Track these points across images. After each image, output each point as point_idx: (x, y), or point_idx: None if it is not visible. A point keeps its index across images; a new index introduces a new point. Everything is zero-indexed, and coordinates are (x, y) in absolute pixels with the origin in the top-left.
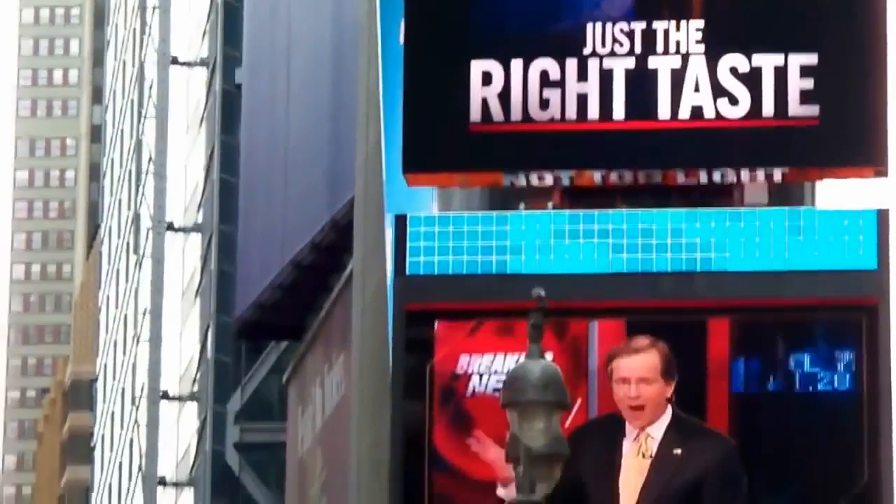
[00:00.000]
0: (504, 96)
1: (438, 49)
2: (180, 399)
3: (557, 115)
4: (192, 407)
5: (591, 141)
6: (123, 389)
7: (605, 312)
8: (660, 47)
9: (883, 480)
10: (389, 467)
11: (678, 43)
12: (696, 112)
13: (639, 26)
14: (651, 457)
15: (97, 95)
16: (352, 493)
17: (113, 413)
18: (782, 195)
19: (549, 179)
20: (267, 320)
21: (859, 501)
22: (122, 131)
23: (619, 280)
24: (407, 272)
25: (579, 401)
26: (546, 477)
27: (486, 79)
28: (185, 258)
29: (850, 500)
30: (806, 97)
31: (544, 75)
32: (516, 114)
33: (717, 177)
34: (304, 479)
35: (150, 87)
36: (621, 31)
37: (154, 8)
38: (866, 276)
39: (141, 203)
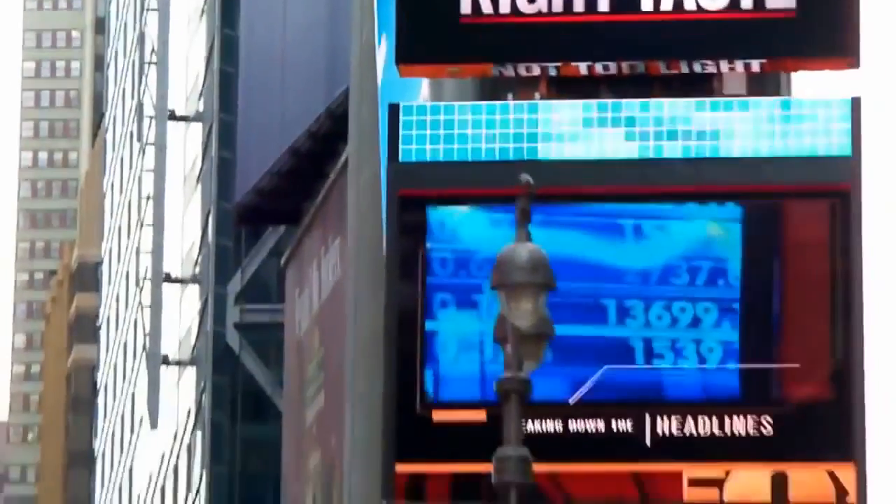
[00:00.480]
0: None
1: None
2: (182, 281)
3: (545, 9)
4: (193, 289)
5: (576, 33)
6: (128, 272)
7: (589, 198)
8: None
9: (854, 358)
10: (384, 345)
11: None
12: (678, 4)
13: None
14: None
15: None
16: (348, 370)
17: (118, 295)
18: (759, 85)
19: (536, 70)
20: (265, 205)
21: (835, 375)
22: (125, 23)
23: (604, 167)
24: (399, 159)
25: None
26: (533, 355)
27: None
28: (187, 146)
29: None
30: None
31: None
32: (505, 7)
33: (697, 67)
34: (302, 358)
35: None
36: None
37: None
38: (841, 163)
39: (144, 93)
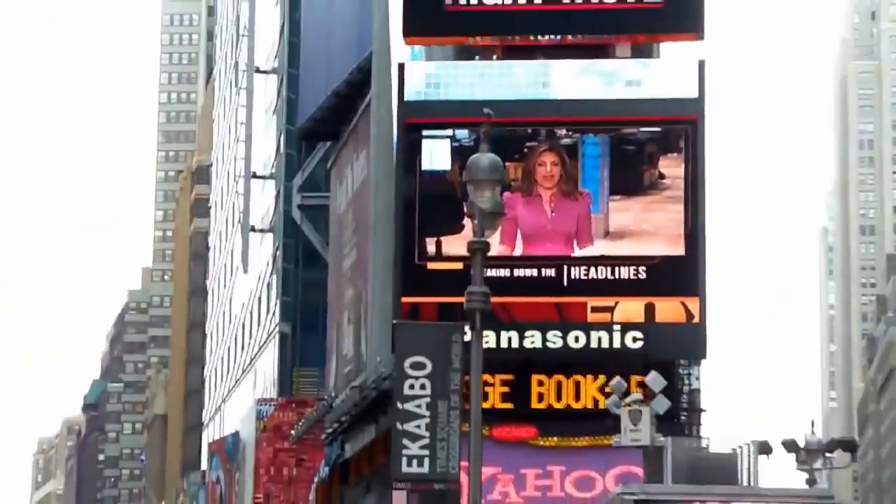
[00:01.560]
0: None
1: None
2: (263, 177)
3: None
4: (270, 182)
5: (522, 15)
6: (228, 171)
7: (536, 125)
8: None
9: (699, 227)
10: (395, 219)
11: None
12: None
13: None
14: None
15: None
16: (371, 235)
17: (222, 186)
18: (639, 52)
19: (495, 40)
20: (318, 129)
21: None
22: (227, 9)
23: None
24: (405, 99)
25: None
26: (491, 226)
27: None
28: (266, 89)
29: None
30: None
31: None
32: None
33: (600, 38)
34: (341, 227)
35: None
36: None
37: None
38: (691, 102)
39: (238, 54)
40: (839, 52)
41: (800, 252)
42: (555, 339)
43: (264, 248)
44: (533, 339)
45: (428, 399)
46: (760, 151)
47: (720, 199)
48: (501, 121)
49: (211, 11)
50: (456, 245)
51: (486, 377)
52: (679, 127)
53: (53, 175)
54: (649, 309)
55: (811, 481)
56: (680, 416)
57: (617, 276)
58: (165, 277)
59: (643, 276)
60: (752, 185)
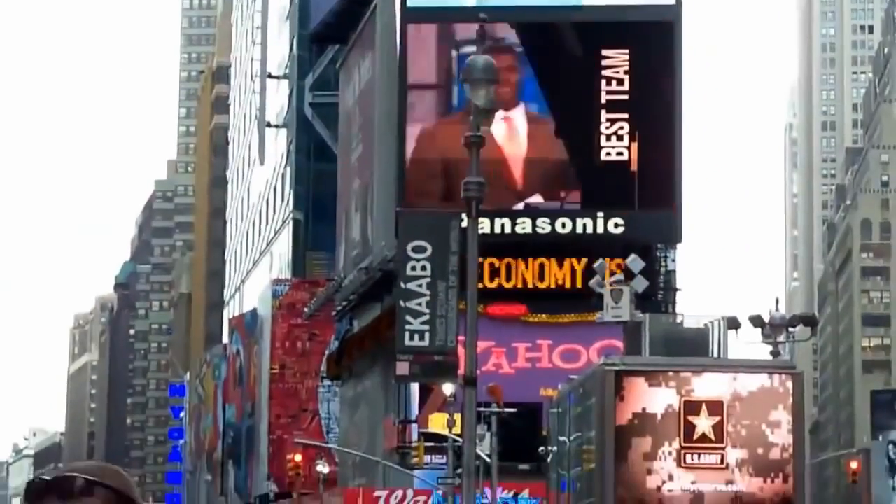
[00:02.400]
0: None
1: None
2: (278, 77)
3: None
4: (284, 82)
5: None
6: (246, 71)
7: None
8: None
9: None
10: (398, 116)
11: None
12: None
13: None
14: None
15: None
16: (376, 130)
17: (240, 85)
18: None
19: None
20: (328, 32)
21: None
22: None
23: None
24: (407, 6)
25: None
26: (486, 122)
27: None
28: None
29: None
30: None
31: None
32: None
33: None
34: (349, 123)
35: None
36: None
37: None
38: (666, 8)
39: None
40: None
41: (766, 146)
42: (543, 225)
43: (279, 142)
44: (524, 225)
45: (428, 279)
46: (730, 54)
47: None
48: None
49: None
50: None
51: (481, 260)
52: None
53: (88, 77)
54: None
55: (775, 353)
56: (657, 295)
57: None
58: (189, 169)
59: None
60: (722, 85)
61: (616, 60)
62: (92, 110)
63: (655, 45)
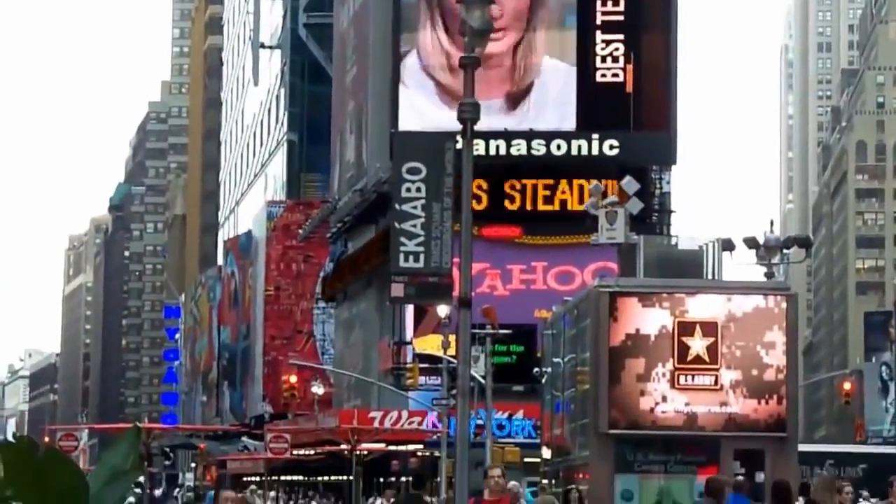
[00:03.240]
0: None
1: None
2: None
3: None
4: (278, 2)
5: None
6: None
7: None
8: None
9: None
10: (392, 32)
11: None
12: None
13: None
14: None
15: None
16: (371, 50)
17: (234, 6)
18: None
19: None
20: None
21: None
22: None
23: None
24: None
25: None
26: (480, 44)
27: None
28: None
29: None
30: None
31: None
32: None
33: None
34: (344, 44)
35: None
36: None
37: None
38: None
39: None
40: None
41: (762, 67)
42: (538, 147)
43: (273, 64)
44: (519, 147)
45: (423, 201)
46: None
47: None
48: None
49: None
50: None
51: (478, 181)
52: None
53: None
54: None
55: (769, 274)
56: (652, 217)
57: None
58: (183, 90)
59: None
60: (719, 7)
61: None
62: (85, 32)
63: None
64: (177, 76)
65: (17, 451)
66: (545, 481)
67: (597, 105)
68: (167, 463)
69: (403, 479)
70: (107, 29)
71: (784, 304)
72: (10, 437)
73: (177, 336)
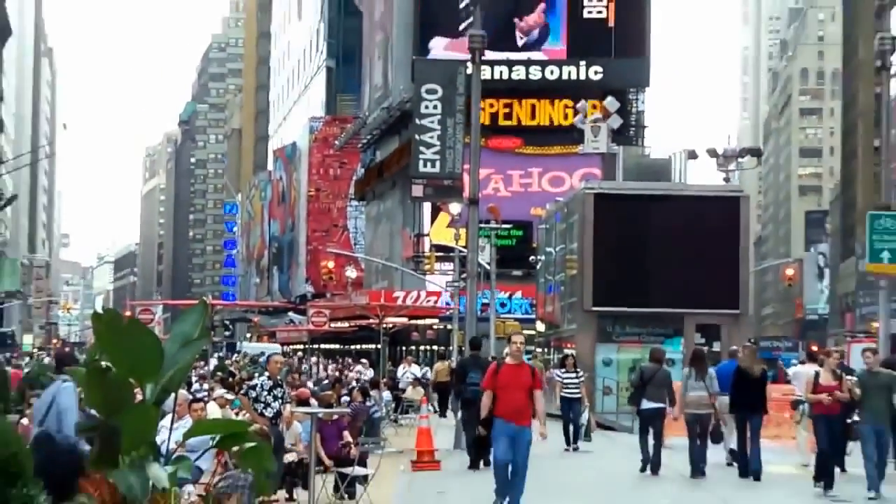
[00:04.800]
0: None
1: None
2: None
3: None
4: None
5: None
6: None
7: None
8: None
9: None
10: None
11: None
12: None
13: None
14: None
15: None
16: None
17: None
18: None
19: None
20: None
21: None
22: None
23: None
24: None
25: None
26: None
27: None
28: None
29: None
30: None
31: None
32: None
33: None
34: None
35: None
36: None
37: None
38: None
39: None
40: None
41: (724, 3)
42: (535, 72)
43: (314, 1)
44: (519, 72)
45: (439, 116)
46: None
47: None
48: None
49: None
50: None
51: (485, 101)
52: None
53: None
54: None
55: (726, 179)
56: (629, 131)
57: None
58: (239, 24)
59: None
60: None
61: None
62: None
63: None
64: (234, 13)
65: (106, 320)
66: (538, 350)
67: (583, 37)
68: (227, 333)
69: (423, 347)
70: None
71: (736, 210)
72: (99, 311)
73: (234, 228)
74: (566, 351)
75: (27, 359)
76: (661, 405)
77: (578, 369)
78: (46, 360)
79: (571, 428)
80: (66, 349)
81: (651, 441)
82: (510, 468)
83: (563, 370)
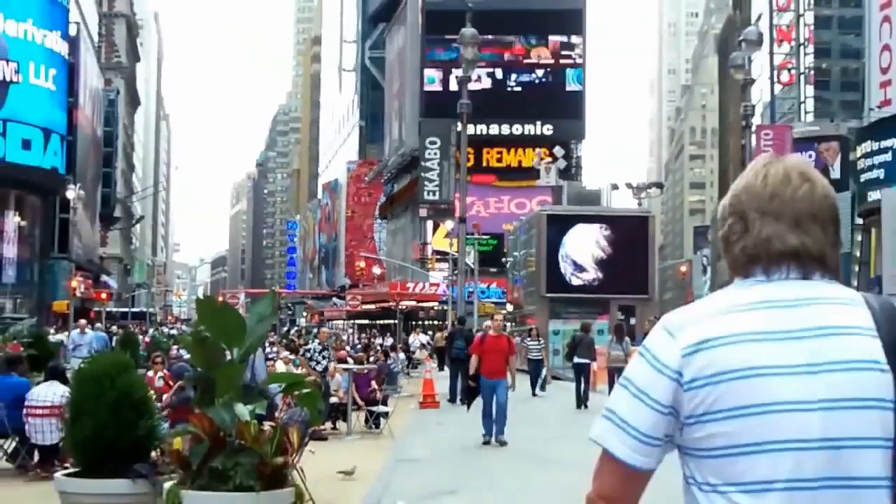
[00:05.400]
0: None
1: None
2: (349, 42)
3: None
4: (353, 45)
5: None
6: (333, 38)
7: None
8: None
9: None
10: (420, 64)
11: None
12: None
13: None
14: None
15: None
16: (407, 74)
17: (328, 46)
18: None
19: None
20: (379, 15)
21: None
22: None
23: None
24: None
25: None
26: (471, 69)
27: None
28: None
29: None
30: None
31: None
32: None
33: None
34: (391, 71)
35: None
36: None
37: None
38: None
39: None
40: None
41: (640, 79)
42: (505, 129)
43: (351, 80)
44: (493, 130)
45: (438, 160)
46: None
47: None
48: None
49: None
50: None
51: (469, 149)
52: None
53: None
54: None
55: (639, 204)
56: (571, 170)
57: None
58: (297, 96)
59: None
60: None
61: None
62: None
63: None
64: (294, 88)
65: (206, 304)
66: (508, 324)
67: (540, 104)
68: (289, 312)
69: (427, 322)
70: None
71: (647, 222)
72: (201, 297)
73: (294, 239)
74: (529, 324)
75: (151, 330)
76: (587, 360)
77: (539, 338)
78: (167, 331)
79: (538, 380)
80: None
81: (583, 386)
82: (494, 410)
83: (529, 339)
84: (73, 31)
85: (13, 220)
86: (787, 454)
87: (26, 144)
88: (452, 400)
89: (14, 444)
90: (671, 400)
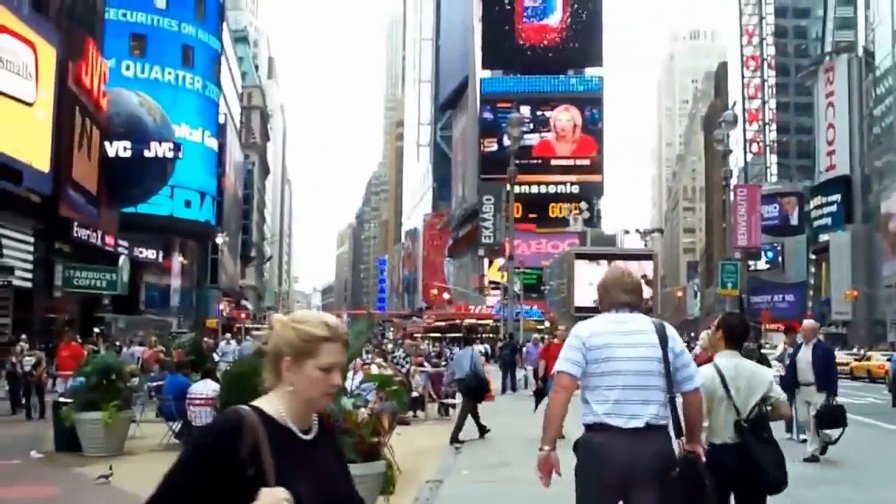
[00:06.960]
0: None
1: None
2: (423, 124)
3: None
4: (428, 127)
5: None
6: (411, 120)
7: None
8: None
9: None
10: (477, 141)
11: None
12: None
13: None
14: None
15: None
16: (470, 148)
17: (408, 128)
18: None
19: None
20: (447, 103)
21: None
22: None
23: None
24: (481, 93)
25: None
26: (516, 144)
27: None
28: (422, 96)
29: None
30: None
31: None
32: None
33: None
34: (457, 145)
35: None
36: None
37: None
38: None
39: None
40: None
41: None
42: (543, 190)
43: (426, 153)
44: (535, 190)
45: (492, 212)
46: None
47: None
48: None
49: None
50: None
51: (516, 203)
52: None
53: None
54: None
55: (646, 245)
56: (593, 219)
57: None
58: (386, 165)
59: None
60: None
61: None
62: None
63: None
64: (384, 159)
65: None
66: (546, 336)
67: (568, 167)
68: (380, 328)
69: (484, 335)
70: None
71: (651, 261)
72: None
73: (384, 272)
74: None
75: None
76: None
77: None
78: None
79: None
80: None
81: None
82: None
83: None
84: (221, 119)
85: (178, 260)
86: (619, 376)
87: (188, 203)
88: (503, 392)
89: (180, 426)
90: (583, 354)
